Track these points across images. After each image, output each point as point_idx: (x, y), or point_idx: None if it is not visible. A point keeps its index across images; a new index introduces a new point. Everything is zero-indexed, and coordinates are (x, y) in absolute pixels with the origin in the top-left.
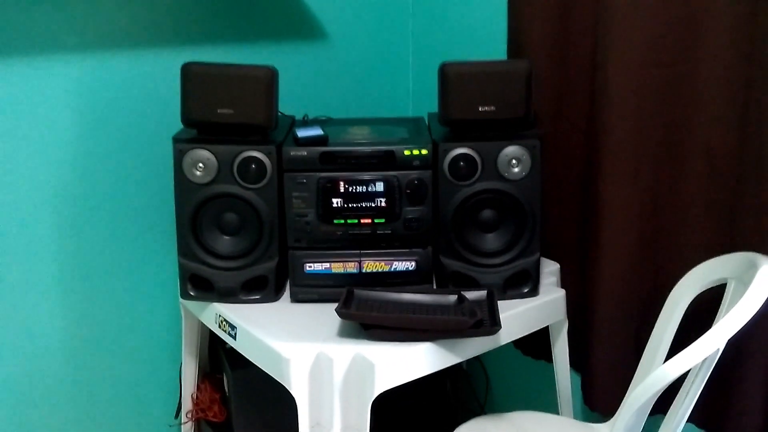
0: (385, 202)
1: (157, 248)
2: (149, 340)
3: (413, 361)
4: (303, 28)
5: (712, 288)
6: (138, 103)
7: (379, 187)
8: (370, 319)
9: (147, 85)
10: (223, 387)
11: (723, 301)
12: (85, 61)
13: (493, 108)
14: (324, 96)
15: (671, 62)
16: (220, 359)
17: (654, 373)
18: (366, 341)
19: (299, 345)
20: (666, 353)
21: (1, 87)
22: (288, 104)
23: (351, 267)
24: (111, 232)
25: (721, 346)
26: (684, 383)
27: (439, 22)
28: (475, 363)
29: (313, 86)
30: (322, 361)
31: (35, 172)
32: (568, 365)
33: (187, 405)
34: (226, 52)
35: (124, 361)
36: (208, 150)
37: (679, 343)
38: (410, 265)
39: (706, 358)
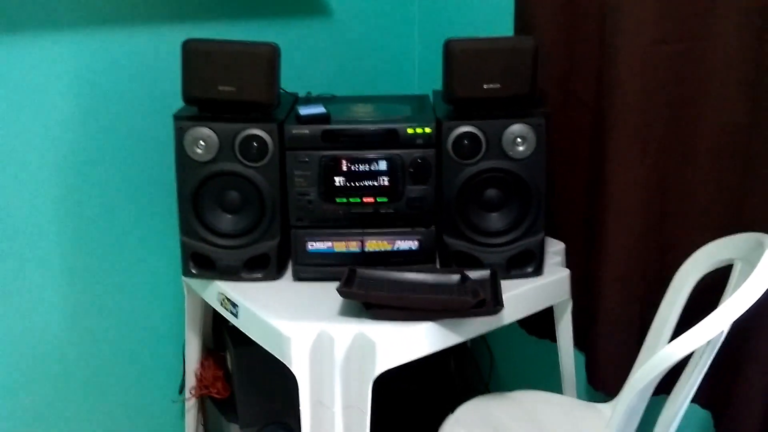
0: (388, 180)
1: (159, 226)
2: (152, 317)
3: (415, 340)
4: (306, 4)
5: (718, 269)
6: (138, 81)
7: (382, 165)
8: (371, 298)
9: (147, 62)
10: (226, 364)
11: (729, 282)
12: (84, 38)
13: (498, 85)
14: (328, 73)
15: (681, 38)
16: (223, 337)
17: (658, 353)
18: (368, 320)
19: (300, 323)
20: (671, 334)
21: None
22: (291, 81)
23: (353, 246)
24: (113, 211)
25: (726, 328)
26: (688, 364)
27: None
28: (480, 342)
29: (316, 63)
30: (323, 339)
31: (34, 152)
32: (572, 345)
33: (190, 381)
34: (228, 28)
35: (127, 338)
36: (209, 127)
37: (684, 325)
38: (413, 245)
39: (710, 340)
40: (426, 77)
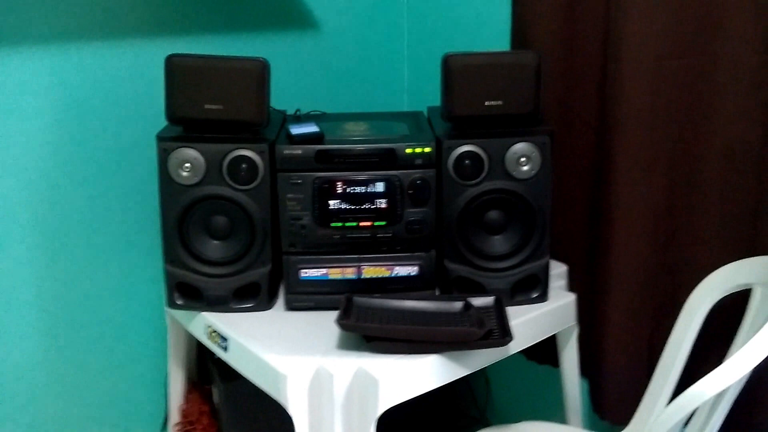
0: (386, 203)
1: (142, 253)
2: (134, 349)
3: (419, 375)
4: (293, 18)
5: (733, 294)
6: (121, 99)
7: (380, 187)
8: (373, 331)
9: (130, 78)
10: (212, 399)
11: (748, 308)
12: (63, 52)
13: (500, 102)
14: (315, 89)
15: (688, 53)
16: (208, 369)
17: (686, 393)
18: (368, 354)
19: (297, 359)
20: (684, 363)
21: None
22: (278, 98)
23: (350, 273)
24: (92, 236)
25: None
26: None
27: (436, 11)
28: None
29: (303, 79)
30: (321, 376)
31: (10, 172)
32: (578, 373)
33: (174, 417)
34: (213, 42)
35: (107, 371)
36: (195, 149)
37: (697, 353)
38: (413, 270)
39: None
40: (416, 93)
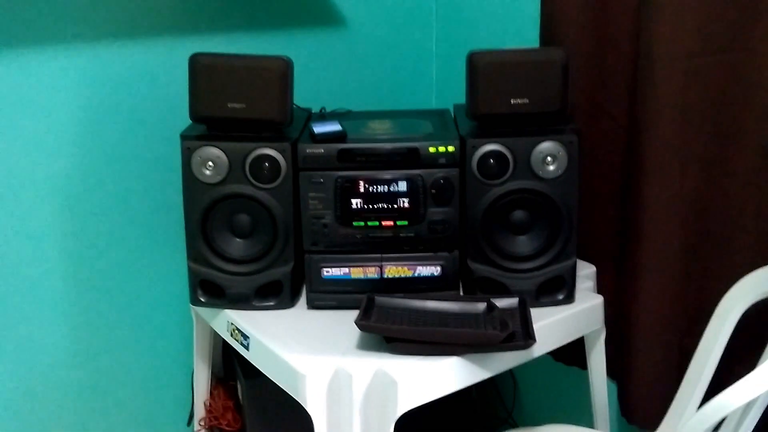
0: (409, 202)
1: (167, 250)
2: (161, 345)
3: (439, 377)
4: (319, 15)
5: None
6: (146, 97)
7: (402, 186)
8: (392, 332)
9: (156, 77)
10: (237, 395)
11: None
12: (90, 51)
13: (526, 101)
14: (342, 87)
15: (723, 49)
16: (233, 366)
17: (711, 402)
18: (388, 355)
19: (316, 359)
20: (714, 368)
21: (2, 79)
22: (304, 96)
23: (371, 272)
24: (118, 233)
25: None
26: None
27: (465, 8)
28: None
29: (330, 77)
30: (340, 376)
31: (37, 171)
32: (605, 376)
33: (199, 412)
34: (238, 41)
35: (134, 367)
36: (218, 147)
37: (729, 359)
38: (435, 271)
39: None
40: (444, 90)
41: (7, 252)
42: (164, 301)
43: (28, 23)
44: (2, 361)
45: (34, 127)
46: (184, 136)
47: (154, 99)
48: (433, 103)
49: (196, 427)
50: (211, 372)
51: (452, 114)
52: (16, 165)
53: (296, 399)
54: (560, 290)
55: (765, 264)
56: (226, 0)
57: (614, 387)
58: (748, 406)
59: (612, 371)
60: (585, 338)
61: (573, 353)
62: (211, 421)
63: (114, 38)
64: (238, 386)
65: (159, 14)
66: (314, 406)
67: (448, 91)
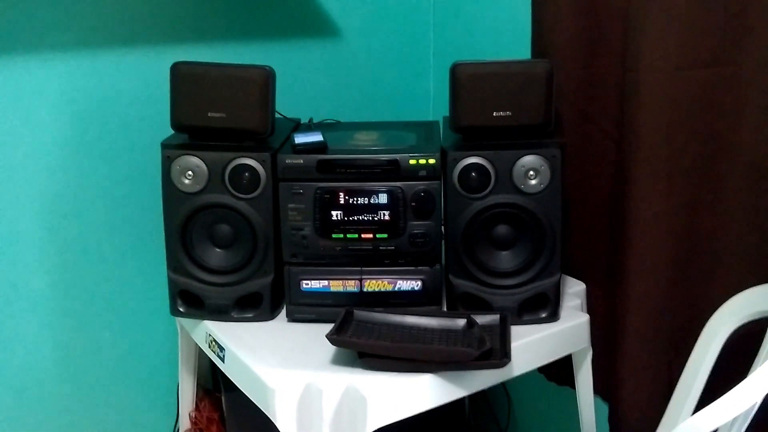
0: (389, 215)
1: (152, 259)
2: (146, 356)
3: (411, 394)
4: (315, 25)
5: (757, 320)
6: (132, 105)
7: (382, 199)
8: (364, 347)
9: (142, 85)
10: (222, 406)
11: (766, 338)
12: (75, 59)
13: (509, 113)
14: (337, 98)
15: (711, 63)
16: (218, 378)
17: (679, 426)
18: (360, 370)
19: (287, 373)
20: (700, 393)
21: None
22: (297, 107)
23: (351, 285)
24: (102, 241)
25: (760, 399)
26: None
27: (463, 19)
28: (497, 385)
29: (325, 88)
30: (311, 392)
31: (20, 177)
32: (592, 396)
33: (184, 424)
34: (230, 51)
35: (119, 377)
36: (197, 156)
37: (716, 382)
38: (416, 285)
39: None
40: (442, 102)
41: None
42: (150, 311)
43: (11, 31)
44: None
45: (17, 134)
46: (165, 145)
47: (140, 107)
48: (430, 115)
49: None
50: (198, 383)
51: (440, 126)
52: (1, 171)
53: (266, 414)
54: (544, 308)
55: (754, 281)
56: (218, 10)
57: (605, 407)
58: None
59: (603, 392)
60: (572, 357)
61: (565, 373)
62: None
63: (100, 46)
64: (223, 398)
65: (150, 23)
66: (284, 421)
67: (446, 103)
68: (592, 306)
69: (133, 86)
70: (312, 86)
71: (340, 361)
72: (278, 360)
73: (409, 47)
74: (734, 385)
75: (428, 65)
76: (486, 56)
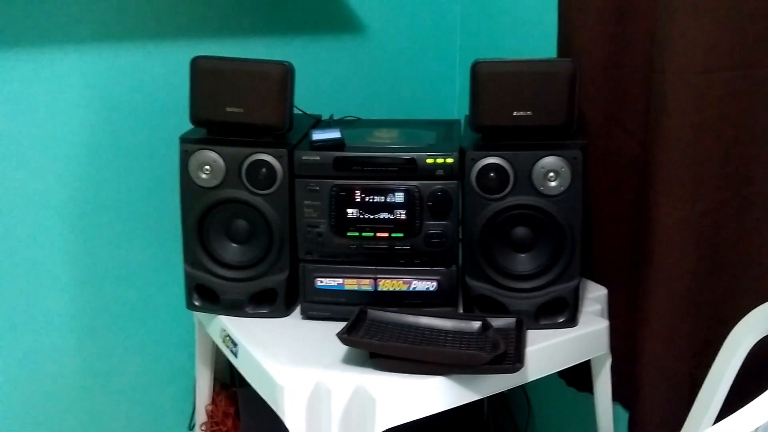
0: (405, 214)
1: (171, 253)
2: (163, 349)
3: (421, 396)
4: (336, 20)
5: None
6: (152, 99)
7: (399, 197)
8: (374, 347)
9: (163, 79)
10: (238, 401)
11: None
12: (96, 54)
13: (529, 113)
14: (360, 95)
15: (739, 65)
16: (234, 372)
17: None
18: (371, 371)
19: (297, 371)
20: (721, 403)
21: (9, 81)
22: (319, 103)
23: (366, 284)
24: (122, 235)
25: None
26: None
27: (490, 16)
28: (517, 389)
29: (347, 84)
30: (320, 391)
31: (43, 172)
32: (611, 402)
33: (201, 417)
34: (251, 45)
35: (137, 370)
36: (214, 151)
37: (738, 393)
38: (431, 286)
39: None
40: (468, 101)
41: (9, 254)
42: (168, 305)
43: (32, 25)
44: (6, 365)
45: (39, 127)
46: (183, 139)
47: (160, 101)
48: (456, 114)
49: (197, 431)
50: (216, 378)
51: (462, 125)
52: (23, 165)
53: (275, 411)
54: (562, 312)
55: None
56: (241, 4)
57: (626, 416)
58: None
59: (624, 400)
60: (591, 363)
61: (585, 379)
62: (212, 426)
63: (121, 40)
64: (238, 393)
65: (169, 17)
66: (292, 419)
67: None
68: (614, 311)
69: (154, 80)
70: (335, 82)
71: (350, 360)
72: (289, 357)
73: (434, 44)
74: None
75: (454, 63)
76: (512, 54)
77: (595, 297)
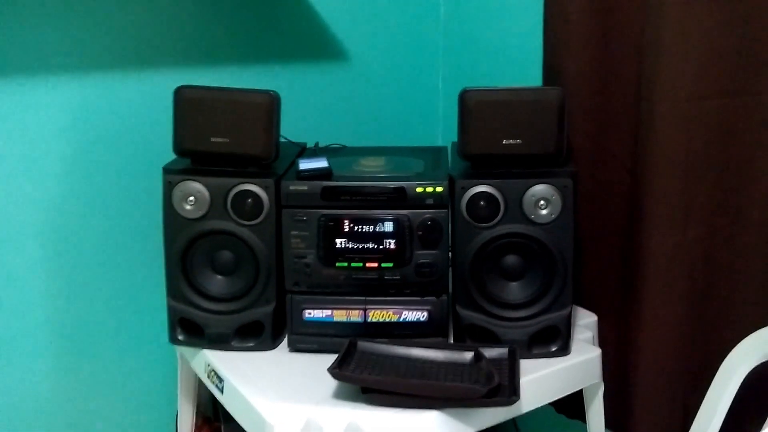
0: (395, 244)
1: (152, 284)
2: (145, 383)
3: (416, 431)
4: (320, 47)
5: None
6: (135, 129)
7: (388, 227)
8: (367, 381)
9: (145, 108)
10: None
11: None
12: (78, 82)
13: (519, 141)
14: (344, 122)
15: (728, 92)
16: (218, 407)
17: None
18: (364, 405)
19: (286, 407)
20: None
21: None
22: (303, 130)
23: (355, 315)
24: (103, 267)
25: None
26: None
27: (473, 44)
28: None
29: (331, 111)
30: (311, 428)
31: (21, 203)
32: (603, 431)
33: None
34: (234, 73)
35: (117, 404)
36: (199, 182)
37: (733, 421)
38: (422, 316)
39: None
40: (450, 128)
41: None
42: (150, 338)
43: (8, 52)
44: None
45: (20, 156)
46: (166, 169)
47: (143, 131)
48: (439, 141)
49: None
50: (198, 410)
51: (449, 152)
52: (2, 194)
53: None
54: (554, 341)
55: None
56: (224, 33)
57: None
58: None
59: (616, 426)
60: (583, 392)
61: (575, 406)
62: None
63: (103, 69)
64: (222, 428)
65: (152, 46)
66: None
67: (455, 128)
68: (604, 338)
69: (136, 110)
70: (318, 110)
71: (342, 395)
72: (278, 393)
73: (417, 71)
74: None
75: (437, 90)
76: (495, 82)
77: (585, 324)
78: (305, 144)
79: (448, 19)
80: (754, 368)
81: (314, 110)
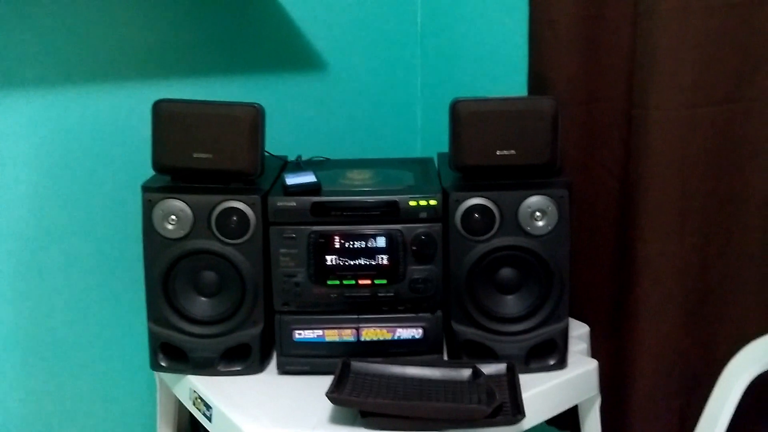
0: (388, 259)
1: (129, 308)
2: (122, 411)
3: None
4: (299, 60)
5: None
6: (111, 145)
7: (381, 242)
8: (367, 405)
9: (123, 123)
10: None
11: None
12: (52, 95)
13: (513, 152)
14: (323, 134)
15: (723, 100)
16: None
17: None
18: (362, 430)
19: None
20: None
21: None
22: (281, 143)
23: (347, 335)
24: (77, 289)
25: None
26: None
27: (451, 53)
28: None
29: (311, 123)
30: None
31: None
32: None
33: None
34: (213, 86)
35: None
36: (181, 200)
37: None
38: (416, 333)
39: None
40: (430, 138)
41: None
42: (127, 364)
43: None
44: None
45: None
46: (146, 188)
47: (120, 147)
48: (418, 152)
49: None
50: None
51: (436, 164)
52: None
53: None
54: (551, 355)
55: None
56: (202, 44)
57: None
58: None
59: None
60: (579, 405)
61: (566, 417)
62: None
63: (78, 82)
64: None
65: (130, 58)
66: None
67: (434, 139)
68: (597, 349)
69: (113, 125)
70: (297, 122)
71: (338, 419)
72: (271, 418)
73: (396, 83)
74: None
75: (416, 100)
76: (475, 91)
77: (578, 335)
78: (286, 157)
79: (426, 29)
80: (756, 377)
81: (292, 122)
